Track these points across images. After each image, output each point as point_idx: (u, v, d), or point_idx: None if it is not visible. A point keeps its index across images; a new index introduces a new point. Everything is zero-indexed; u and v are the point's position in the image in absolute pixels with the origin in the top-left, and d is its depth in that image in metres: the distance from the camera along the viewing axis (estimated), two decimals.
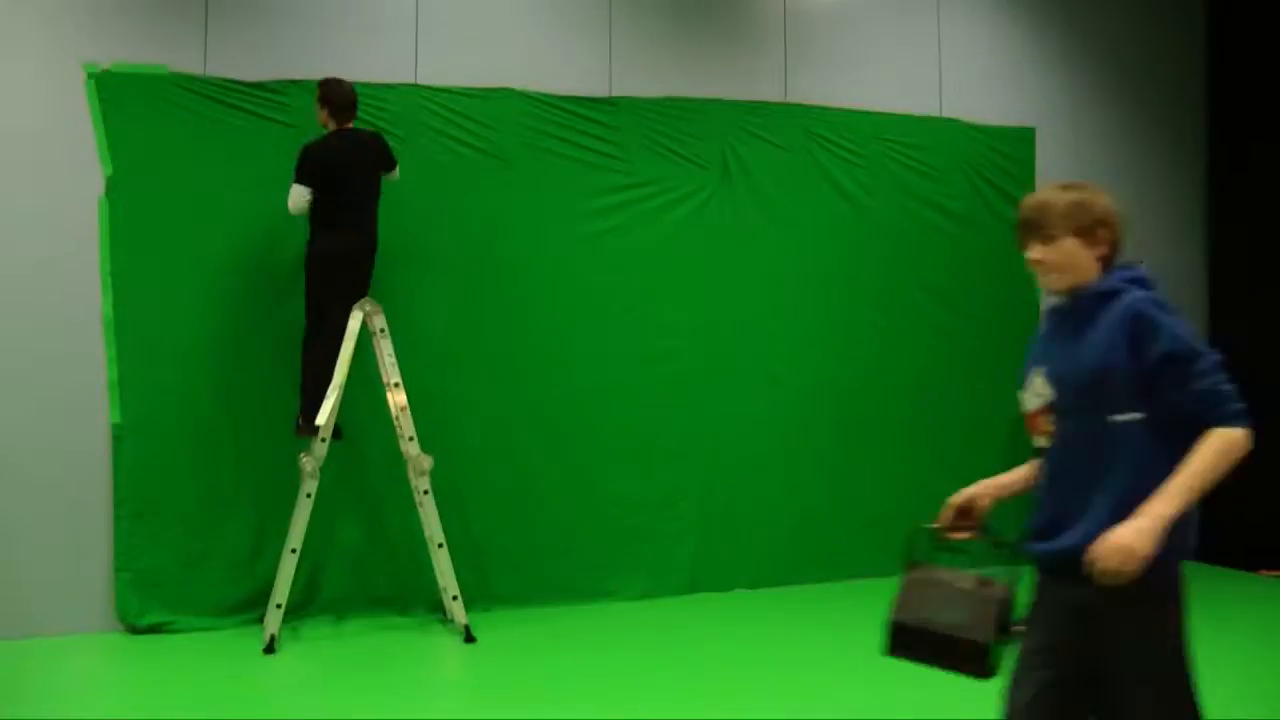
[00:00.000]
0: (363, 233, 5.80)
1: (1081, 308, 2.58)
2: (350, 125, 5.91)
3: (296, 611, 5.94)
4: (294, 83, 6.18)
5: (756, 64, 7.16)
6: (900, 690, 4.84)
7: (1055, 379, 2.57)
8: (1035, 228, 2.62)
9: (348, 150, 5.82)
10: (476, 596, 6.18)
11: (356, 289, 5.80)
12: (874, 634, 5.72)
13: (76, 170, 5.83)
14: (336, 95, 5.87)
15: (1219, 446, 2.42)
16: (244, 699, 4.77)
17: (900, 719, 4.52)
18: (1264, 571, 7.45)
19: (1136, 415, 2.46)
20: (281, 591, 5.53)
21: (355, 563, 6.21)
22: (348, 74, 6.21)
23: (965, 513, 2.80)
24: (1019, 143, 7.82)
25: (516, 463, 6.50)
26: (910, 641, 2.71)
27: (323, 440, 5.60)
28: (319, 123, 5.90)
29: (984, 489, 2.78)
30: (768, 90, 7.16)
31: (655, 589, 6.70)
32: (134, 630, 5.77)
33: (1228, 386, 2.51)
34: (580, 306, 6.66)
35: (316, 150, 5.79)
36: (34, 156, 5.79)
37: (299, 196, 5.73)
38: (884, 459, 7.30)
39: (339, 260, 5.76)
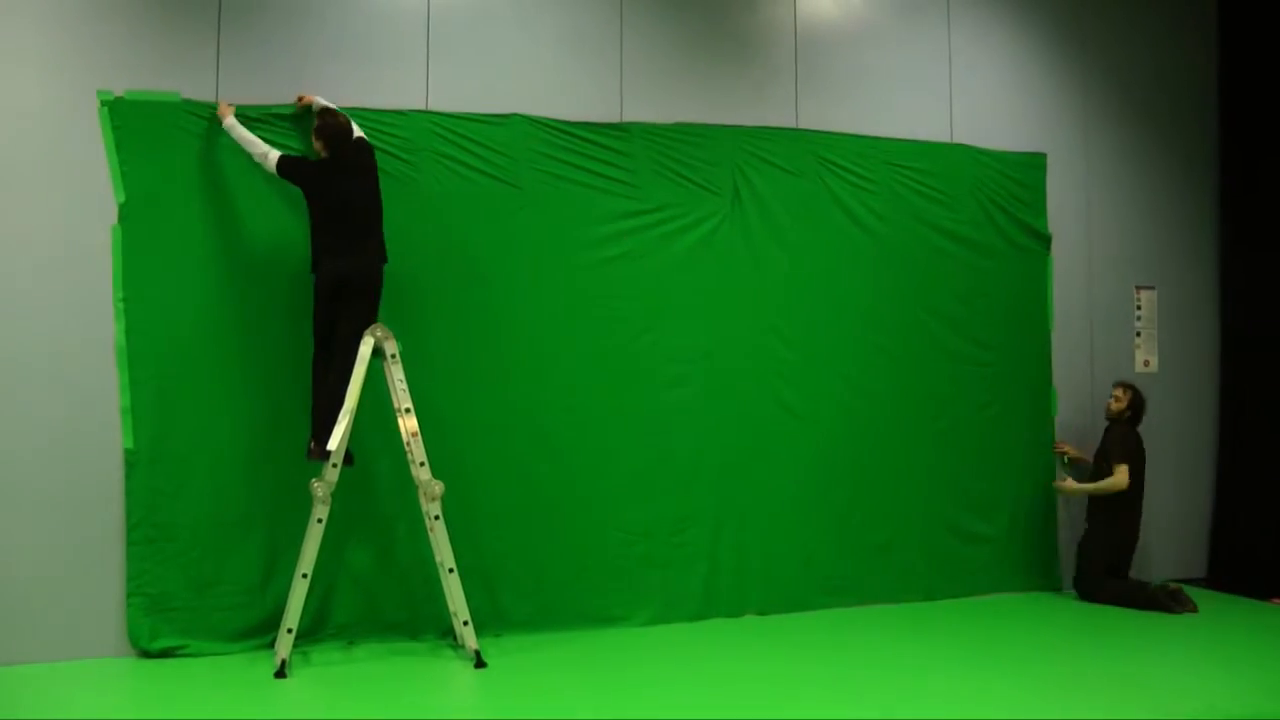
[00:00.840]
0: (371, 251, 5.86)
1: None
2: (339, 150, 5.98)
3: (307, 636, 5.94)
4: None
5: (767, 90, 7.18)
6: (911, 714, 4.85)
7: None
8: None
9: (342, 175, 5.91)
10: (487, 622, 6.19)
11: (354, 313, 5.83)
12: (884, 659, 5.73)
13: (89, 198, 5.86)
14: (332, 129, 5.96)
15: None
16: None
17: None
18: (1276, 600, 7.41)
19: None
20: (293, 616, 5.53)
21: (366, 588, 6.21)
22: (359, 100, 6.27)
23: None
24: (1030, 168, 7.82)
25: (527, 488, 6.50)
26: None
27: (334, 465, 5.61)
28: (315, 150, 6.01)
29: None
30: (779, 116, 7.18)
31: (666, 615, 6.69)
32: (146, 655, 5.78)
33: None
34: (591, 332, 6.66)
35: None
36: (47, 184, 5.81)
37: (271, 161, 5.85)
38: (895, 485, 7.30)
39: (319, 286, 5.87)
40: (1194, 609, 7.05)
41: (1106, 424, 7.64)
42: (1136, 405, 7.55)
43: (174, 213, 5.96)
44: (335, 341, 5.80)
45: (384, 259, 5.90)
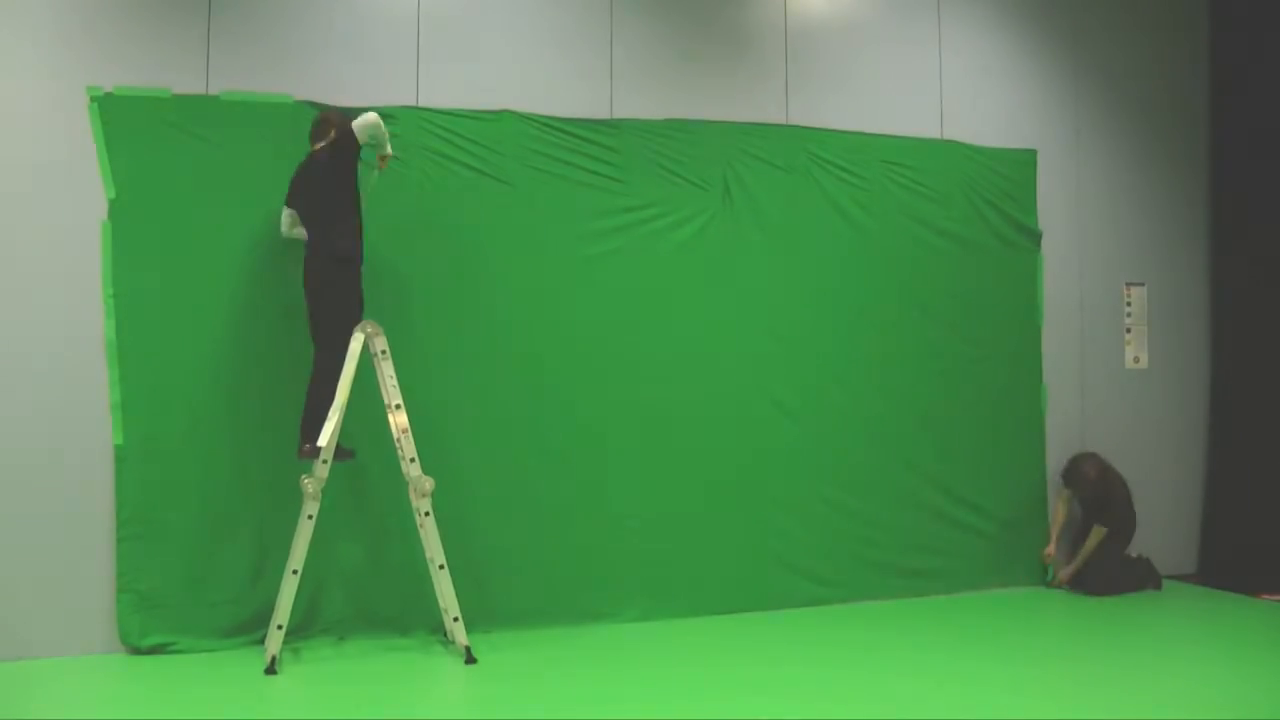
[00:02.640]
0: (315, 249, 5.82)
1: None
2: (319, 145, 5.90)
3: (298, 633, 5.94)
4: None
5: (758, 86, 7.18)
6: (898, 713, 4.84)
7: None
8: None
9: (306, 168, 5.90)
10: (477, 618, 6.17)
11: (313, 311, 5.83)
12: (875, 656, 5.74)
13: (79, 194, 5.85)
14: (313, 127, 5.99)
15: None
16: None
17: None
18: (1265, 595, 7.43)
19: None
20: (283, 613, 5.53)
21: (356, 584, 6.21)
22: (348, 97, 6.26)
23: None
24: (1021, 165, 7.83)
25: (517, 485, 6.50)
26: None
27: (324, 462, 5.61)
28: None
29: None
30: (769, 112, 7.19)
31: (655, 611, 6.69)
32: (136, 651, 5.78)
33: None
34: (581, 329, 6.66)
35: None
36: (37, 180, 5.81)
37: (283, 219, 5.99)
38: (885, 481, 7.30)
39: (306, 276, 5.86)
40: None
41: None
42: (1099, 478, 7.62)
43: (164, 208, 5.96)
44: (320, 336, 5.82)
45: (335, 257, 5.75)
